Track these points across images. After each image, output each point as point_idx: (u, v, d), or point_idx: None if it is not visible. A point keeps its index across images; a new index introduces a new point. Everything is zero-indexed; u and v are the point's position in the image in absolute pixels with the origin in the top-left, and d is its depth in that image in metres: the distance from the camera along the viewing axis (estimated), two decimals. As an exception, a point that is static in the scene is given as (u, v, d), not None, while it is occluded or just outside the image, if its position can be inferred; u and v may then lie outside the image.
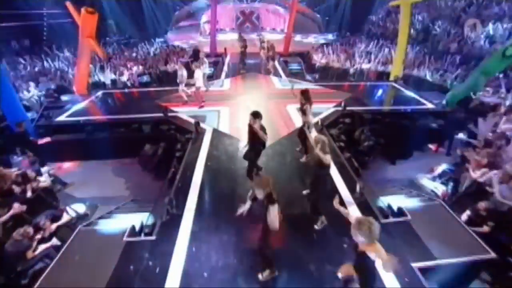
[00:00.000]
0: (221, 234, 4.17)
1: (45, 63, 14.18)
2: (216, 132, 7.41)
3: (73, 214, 5.61)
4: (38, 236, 4.52)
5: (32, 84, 11.11)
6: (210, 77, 11.95)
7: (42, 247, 4.44)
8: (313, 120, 6.09)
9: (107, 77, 12.32)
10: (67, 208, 5.70)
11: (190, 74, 9.15)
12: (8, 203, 4.91)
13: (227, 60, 14.96)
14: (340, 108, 8.58)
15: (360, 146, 7.58)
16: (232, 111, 8.73)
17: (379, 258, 2.53)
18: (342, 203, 3.94)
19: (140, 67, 13.58)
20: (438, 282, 3.64)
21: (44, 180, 6.04)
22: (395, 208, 4.66)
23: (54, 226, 4.90)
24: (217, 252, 3.88)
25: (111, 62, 13.92)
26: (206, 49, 15.87)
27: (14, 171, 5.83)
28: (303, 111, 5.62)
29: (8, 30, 15.41)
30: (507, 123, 6.92)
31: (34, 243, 4.35)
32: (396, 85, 11.27)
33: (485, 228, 4.42)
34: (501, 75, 10.00)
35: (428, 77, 11.98)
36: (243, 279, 3.53)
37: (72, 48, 15.44)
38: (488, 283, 4.08)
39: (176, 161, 6.45)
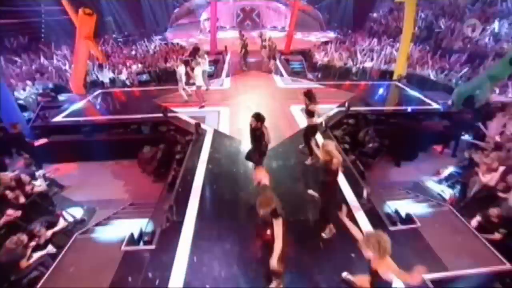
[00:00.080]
0: (224, 243, 4.00)
1: (42, 61, 13.92)
2: (217, 134, 7.22)
3: (70, 219, 5.46)
4: (33, 243, 4.36)
5: (28, 82, 10.87)
6: (211, 76, 11.76)
7: (37, 255, 4.28)
8: (318, 120, 5.88)
9: (105, 75, 12.05)
10: (64, 212, 5.54)
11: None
12: (1, 210, 4.73)
13: (227, 58, 14.73)
14: (343, 109, 8.39)
15: (364, 147, 7.42)
16: (233, 111, 8.53)
17: (393, 275, 2.43)
18: (350, 214, 3.77)
19: (139, 65, 13.34)
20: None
21: (39, 185, 5.84)
22: (403, 214, 4.52)
23: (49, 232, 4.74)
24: (220, 262, 3.71)
25: (110, 60, 13.67)
26: (206, 47, 15.66)
27: (9, 174, 5.65)
28: (308, 113, 5.41)
29: (4, 27, 15.12)
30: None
31: (29, 251, 4.18)
32: (400, 84, 11.08)
33: (497, 235, 4.28)
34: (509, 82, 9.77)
35: (432, 76, 11.76)
36: (248, 292, 3.36)
37: (70, 46, 15.17)
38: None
39: (176, 163, 6.28)
